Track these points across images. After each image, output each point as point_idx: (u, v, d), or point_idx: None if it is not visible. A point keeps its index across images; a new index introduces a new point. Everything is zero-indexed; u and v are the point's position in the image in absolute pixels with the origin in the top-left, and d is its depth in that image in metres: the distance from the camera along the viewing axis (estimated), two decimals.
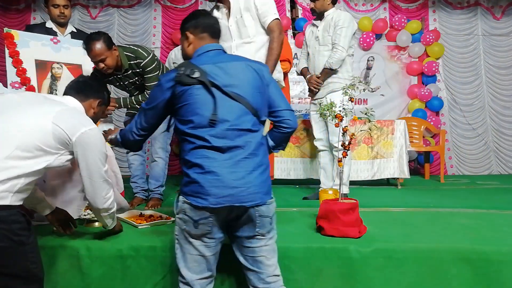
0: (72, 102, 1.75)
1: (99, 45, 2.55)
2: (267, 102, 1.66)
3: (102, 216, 1.84)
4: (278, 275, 1.65)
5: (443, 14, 5.71)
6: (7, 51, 2.82)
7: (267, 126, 1.68)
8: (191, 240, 1.56)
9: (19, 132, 1.48)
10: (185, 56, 1.77)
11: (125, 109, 3.00)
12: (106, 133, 2.00)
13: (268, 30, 2.45)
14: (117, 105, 2.85)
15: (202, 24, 1.72)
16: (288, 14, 5.63)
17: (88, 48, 2.57)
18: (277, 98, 1.68)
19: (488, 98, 5.69)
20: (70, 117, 1.60)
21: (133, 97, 2.79)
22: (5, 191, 1.42)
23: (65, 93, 1.79)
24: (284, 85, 2.63)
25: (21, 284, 1.46)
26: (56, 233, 2.03)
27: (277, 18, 2.44)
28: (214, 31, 1.75)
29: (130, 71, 2.77)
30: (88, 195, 1.72)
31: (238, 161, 1.51)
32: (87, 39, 2.59)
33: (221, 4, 2.49)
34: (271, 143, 1.72)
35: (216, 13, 2.51)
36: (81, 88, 1.79)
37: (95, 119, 1.83)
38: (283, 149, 1.83)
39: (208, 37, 1.72)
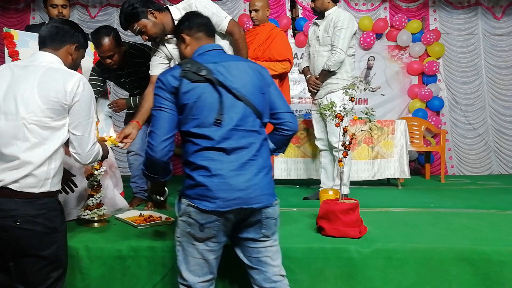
0: (48, 58, 1.65)
1: (108, 41, 2.54)
2: (268, 103, 1.65)
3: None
4: (283, 275, 1.64)
5: (443, 14, 5.71)
6: (6, 51, 2.81)
7: None
8: (195, 243, 1.54)
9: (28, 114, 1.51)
10: (183, 58, 1.74)
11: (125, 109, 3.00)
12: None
13: (228, 34, 2.42)
14: (119, 106, 2.84)
15: (196, 24, 1.70)
16: (288, 14, 5.62)
17: (98, 42, 2.54)
18: (278, 100, 1.67)
19: (489, 98, 5.69)
20: (52, 80, 1.56)
21: (136, 98, 2.80)
22: (44, 177, 1.52)
23: (39, 46, 1.71)
24: None
25: (50, 267, 1.56)
26: None
27: (230, 19, 2.39)
28: (209, 29, 1.73)
29: (133, 69, 2.77)
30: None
31: (244, 163, 1.49)
32: (97, 33, 2.57)
33: (170, 36, 2.40)
34: (271, 146, 1.71)
35: (168, 46, 2.44)
36: (53, 35, 1.69)
37: (75, 66, 1.78)
38: (283, 152, 1.83)
39: (204, 37, 1.70)
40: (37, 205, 1.51)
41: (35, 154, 1.50)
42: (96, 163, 2.32)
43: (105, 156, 1.86)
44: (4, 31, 2.84)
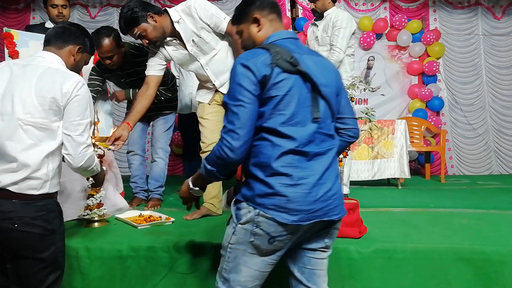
0: (48, 58, 1.62)
1: (109, 42, 2.55)
2: (338, 107, 1.48)
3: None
4: None
5: (443, 14, 5.70)
6: (6, 51, 2.81)
7: None
8: (255, 255, 1.35)
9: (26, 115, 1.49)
10: (250, 44, 1.49)
11: (125, 108, 3.00)
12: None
13: (227, 34, 2.41)
14: (119, 98, 2.84)
15: (269, 4, 1.47)
16: (288, 14, 5.62)
17: (98, 43, 2.53)
18: (347, 104, 1.52)
19: (489, 98, 5.68)
20: (50, 81, 1.52)
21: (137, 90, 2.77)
22: (43, 180, 1.50)
23: (44, 44, 1.68)
24: None
25: (48, 270, 1.55)
26: None
27: (229, 19, 2.36)
28: (280, 12, 1.51)
29: (133, 70, 2.77)
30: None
31: (324, 171, 1.33)
32: (97, 34, 2.57)
33: (169, 39, 2.40)
34: None
35: (168, 49, 2.44)
36: (58, 34, 1.67)
37: (77, 69, 1.74)
38: None
39: (277, 19, 1.48)
40: (36, 207, 1.49)
41: (31, 156, 1.48)
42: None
43: (100, 179, 1.87)
44: (4, 31, 2.84)
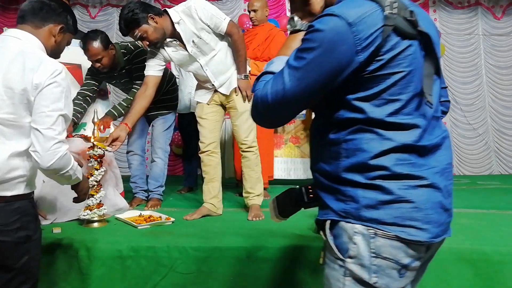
0: (24, 39, 1.37)
1: (95, 45, 2.57)
2: None
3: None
4: None
5: (443, 14, 5.71)
6: None
7: None
8: None
9: None
10: (316, 10, 1.04)
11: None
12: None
13: (227, 35, 2.42)
14: (108, 123, 2.70)
15: None
16: (288, 14, 5.62)
17: (85, 47, 2.59)
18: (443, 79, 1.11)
19: (489, 98, 5.69)
20: (21, 70, 1.30)
21: (121, 101, 2.76)
22: (16, 180, 1.32)
23: (17, 21, 1.45)
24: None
25: (19, 280, 1.36)
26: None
27: (229, 20, 2.39)
28: None
29: (125, 70, 2.78)
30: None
31: (444, 169, 0.95)
32: (84, 38, 2.61)
33: (169, 40, 2.40)
34: None
35: (167, 50, 2.43)
36: (36, 10, 1.42)
37: (58, 51, 1.51)
38: None
39: None
40: (8, 211, 1.30)
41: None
42: (95, 162, 2.32)
43: (83, 191, 1.62)
44: (4, 31, 2.84)
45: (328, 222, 0.96)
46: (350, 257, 0.92)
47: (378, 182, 0.90)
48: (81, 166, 1.57)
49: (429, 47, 0.93)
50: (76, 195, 1.66)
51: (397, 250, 0.90)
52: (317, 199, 1.03)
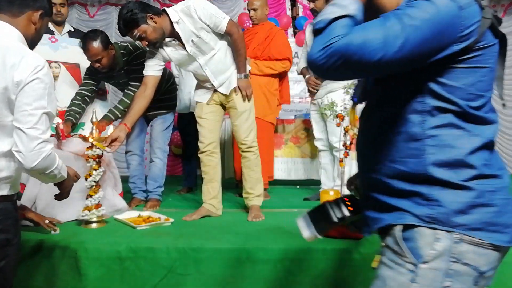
0: (1, 31, 1.29)
1: (95, 45, 2.55)
2: None
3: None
4: None
5: None
6: None
7: None
8: None
9: None
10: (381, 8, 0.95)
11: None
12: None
13: (227, 34, 2.40)
14: (104, 126, 2.68)
15: None
16: (289, 13, 5.61)
17: (85, 47, 2.58)
18: None
19: None
20: (1, 64, 1.23)
21: (117, 104, 2.74)
22: (2, 181, 1.27)
23: None
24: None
25: None
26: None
27: (229, 19, 2.37)
28: None
29: (123, 70, 2.76)
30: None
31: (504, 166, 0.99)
32: (84, 38, 2.60)
33: (168, 39, 2.38)
34: None
35: (167, 49, 2.41)
36: None
37: (38, 38, 1.42)
38: None
39: None
40: None
41: None
42: (94, 160, 2.30)
43: (67, 189, 1.53)
44: None
45: (400, 226, 0.91)
46: (425, 262, 0.87)
47: (469, 183, 0.86)
48: (75, 182, 1.51)
49: (504, 50, 0.92)
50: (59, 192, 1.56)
51: (480, 256, 0.87)
52: (358, 211, 0.99)
